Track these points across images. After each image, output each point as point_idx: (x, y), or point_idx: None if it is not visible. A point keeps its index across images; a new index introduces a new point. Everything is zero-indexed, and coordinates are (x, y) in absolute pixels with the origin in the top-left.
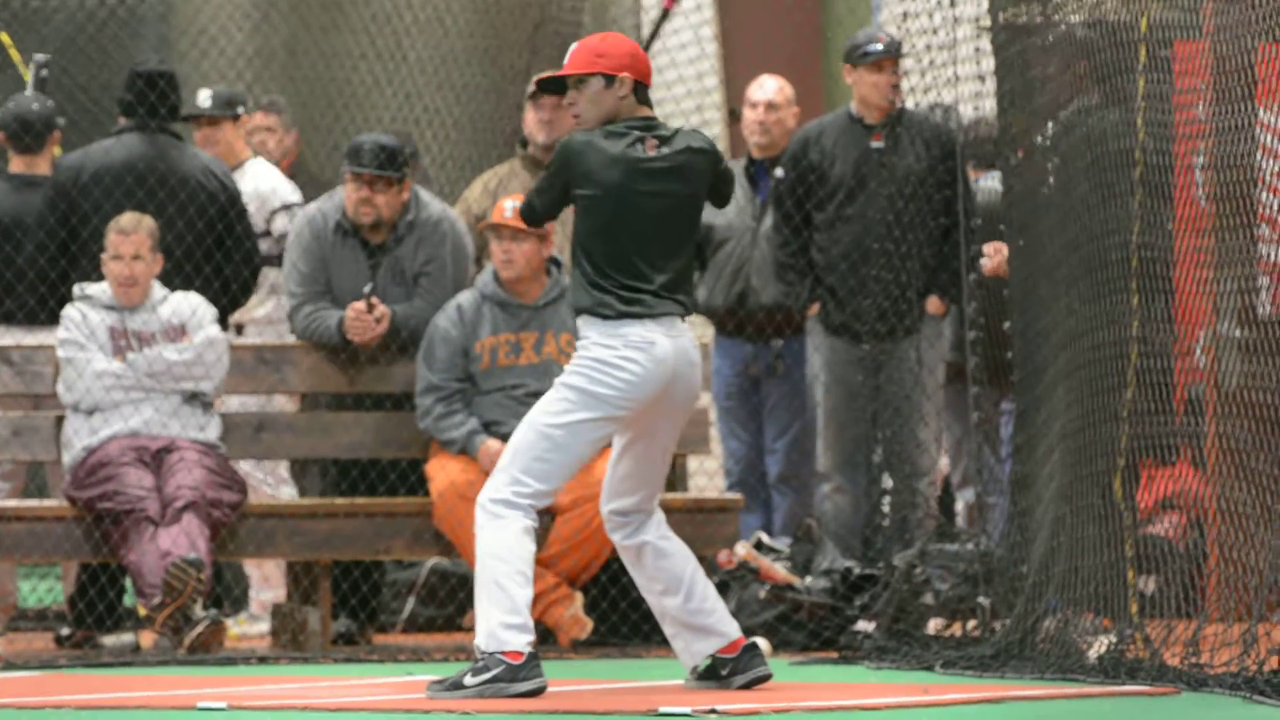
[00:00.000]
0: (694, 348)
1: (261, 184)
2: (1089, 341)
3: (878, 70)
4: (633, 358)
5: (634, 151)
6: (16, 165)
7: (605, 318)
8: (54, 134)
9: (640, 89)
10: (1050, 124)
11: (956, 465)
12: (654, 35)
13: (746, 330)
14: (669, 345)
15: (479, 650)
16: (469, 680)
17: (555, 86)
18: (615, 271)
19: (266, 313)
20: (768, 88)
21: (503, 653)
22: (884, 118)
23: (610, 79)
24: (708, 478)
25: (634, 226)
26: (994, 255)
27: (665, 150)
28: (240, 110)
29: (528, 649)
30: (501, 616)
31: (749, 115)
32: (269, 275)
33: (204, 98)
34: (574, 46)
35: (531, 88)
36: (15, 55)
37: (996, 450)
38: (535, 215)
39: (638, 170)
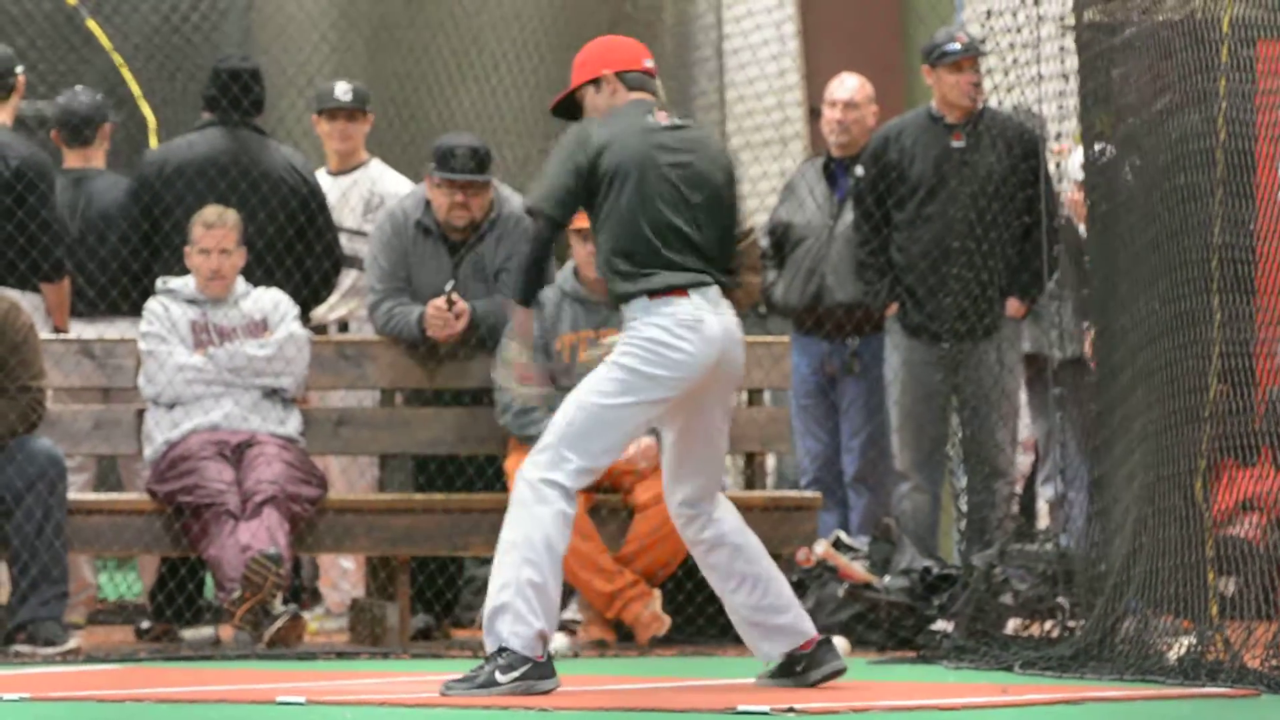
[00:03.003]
0: (738, 326)
1: (381, 185)
2: (1169, 341)
3: (957, 70)
4: (685, 336)
5: (645, 120)
6: (71, 160)
7: (651, 295)
8: (105, 127)
9: (626, 75)
10: (1132, 123)
11: (1046, 459)
12: None
13: (823, 328)
14: (717, 324)
15: (502, 647)
16: (501, 678)
17: (566, 113)
18: (651, 249)
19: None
20: (847, 86)
21: (524, 651)
22: (965, 117)
23: (596, 82)
24: (784, 476)
25: (661, 197)
26: None
27: (676, 121)
28: (369, 108)
29: (543, 652)
30: (528, 614)
31: (828, 114)
32: None
33: (343, 90)
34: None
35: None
36: (106, 43)
37: (1086, 446)
38: (561, 217)
39: (654, 136)
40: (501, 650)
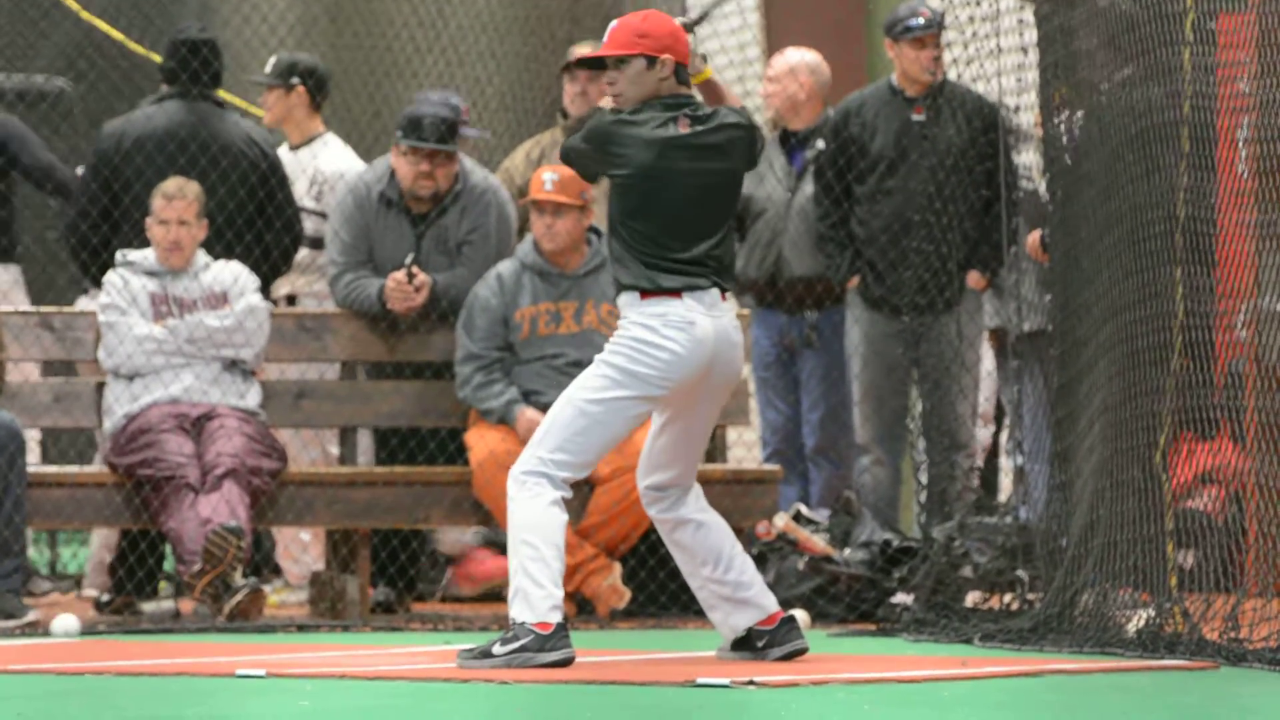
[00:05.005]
0: (735, 328)
1: (333, 163)
2: (1131, 315)
3: (919, 45)
4: (673, 337)
5: (666, 131)
6: None
7: (644, 294)
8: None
9: (680, 69)
10: (1094, 96)
11: (1015, 428)
12: (703, 17)
13: (783, 302)
14: (709, 325)
15: (512, 621)
16: (497, 649)
17: (595, 64)
18: (653, 249)
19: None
20: (777, 61)
21: (532, 623)
22: (925, 91)
23: (652, 60)
24: (746, 449)
25: (669, 205)
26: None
27: (699, 129)
28: (295, 81)
29: (557, 619)
30: (532, 588)
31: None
32: None
33: (269, 65)
34: (614, 24)
35: (572, 58)
36: (74, 4)
37: (1049, 419)
38: (573, 162)
39: (671, 149)
40: (512, 625)
